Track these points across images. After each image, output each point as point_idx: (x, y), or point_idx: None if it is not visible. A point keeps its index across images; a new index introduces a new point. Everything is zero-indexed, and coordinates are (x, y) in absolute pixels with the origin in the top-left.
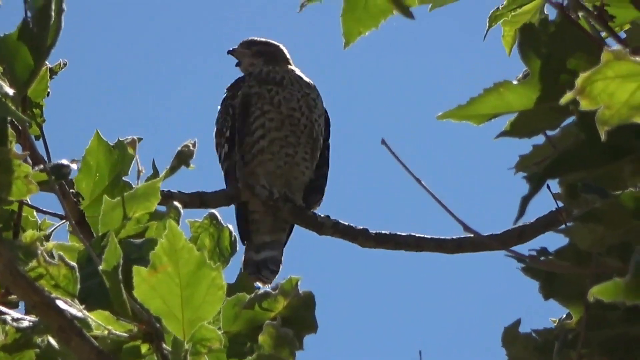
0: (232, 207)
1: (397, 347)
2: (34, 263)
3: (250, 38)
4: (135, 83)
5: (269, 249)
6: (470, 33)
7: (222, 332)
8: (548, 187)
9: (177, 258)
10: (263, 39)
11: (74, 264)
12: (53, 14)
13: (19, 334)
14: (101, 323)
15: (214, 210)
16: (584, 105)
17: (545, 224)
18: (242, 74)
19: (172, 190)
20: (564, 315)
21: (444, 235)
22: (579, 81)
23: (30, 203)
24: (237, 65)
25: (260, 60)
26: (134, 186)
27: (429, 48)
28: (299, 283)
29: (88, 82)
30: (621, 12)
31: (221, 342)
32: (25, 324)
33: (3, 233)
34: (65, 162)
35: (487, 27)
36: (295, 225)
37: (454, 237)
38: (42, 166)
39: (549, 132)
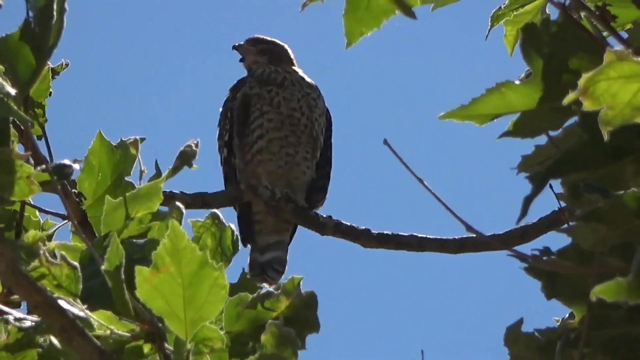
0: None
1: (399, 347)
2: (36, 263)
3: (256, 36)
4: (136, 83)
5: (273, 249)
6: (472, 33)
7: (224, 331)
8: (550, 187)
9: (179, 258)
10: (269, 38)
11: (76, 263)
12: (55, 13)
13: (21, 333)
14: (103, 323)
15: (215, 210)
16: (587, 105)
17: (548, 223)
18: (244, 72)
19: (175, 191)
20: (567, 315)
21: (447, 235)
22: (581, 81)
23: (32, 203)
24: (240, 61)
25: (265, 59)
26: (136, 186)
27: (431, 48)
28: (301, 283)
29: (90, 82)
30: (623, 12)
31: (223, 342)
32: (28, 323)
33: (5, 233)
34: (67, 162)
35: (489, 27)
36: (298, 226)
37: (457, 237)
38: (44, 166)
39: (552, 132)
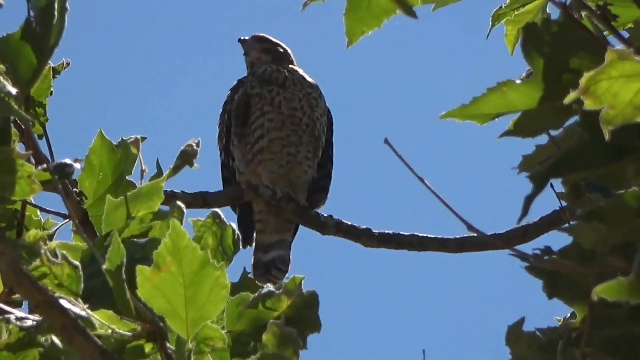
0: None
1: (400, 347)
2: (37, 262)
3: (262, 34)
4: (137, 82)
5: (276, 248)
6: (473, 32)
7: (225, 331)
8: (551, 186)
9: (180, 257)
10: (274, 39)
11: (77, 263)
12: (56, 13)
13: (22, 333)
14: (105, 322)
15: (216, 209)
16: (588, 104)
17: (549, 223)
18: (245, 71)
19: (176, 190)
20: (568, 314)
21: (447, 234)
22: (583, 80)
23: (33, 202)
24: (244, 54)
25: (268, 57)
26: (137, 185)
27: (432, 47)
28: (302, 282)
29: (91, 82)
30: (624, 12)
31: (224, 341)
32: (29, 323)
33: (6, 232)
34: (68, 161)
35: (490, 27)
36: (300, 225)
37: (457, 236)
38: (45, 165)
39: (553, 132)
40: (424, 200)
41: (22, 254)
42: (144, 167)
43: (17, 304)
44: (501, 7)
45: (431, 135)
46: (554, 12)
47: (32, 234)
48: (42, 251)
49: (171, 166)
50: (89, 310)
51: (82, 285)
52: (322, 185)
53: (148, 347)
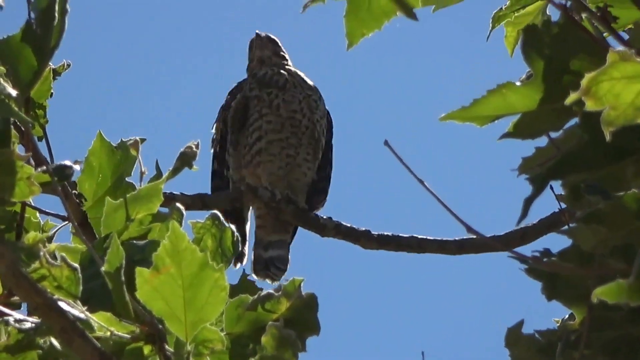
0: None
1: (399, 349)
2: (36, 264)
3: (274, 37)
4: (137, 83)
5: (275, 247)
6: (473, 34)
7: (224, 333)
8: (551, 188)
9: (179, 259)
10: (284, 52)
11: (76, 265)
12: (57, 15)
13: (21, 335)
14: (103, 324)
15: (216, 211)
16: (590, 105)
17: (548, 225)
18: (244, 72)
19: (175, 192)
20: (567, 316)
21: (447, 236)
22: (584, 82)
23: (32, 204)
24: (255, 48)
25: (274, 60)
26: (136, 187)
27: (432, 49)
28: (301, 285)
29: (90, 83)
30: (624, 13)
31: (223, 344)
32: (28, 325)
33: (6, 234)
34: (68, 163)
35: (490, 28)
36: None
37: (457, 238)
38: (44, 167)
39: (552, 134)
40: (423, 202)
41: (21, 256)
42: (143, 169)
43: (16, 306)
44: (501, 8)
45: (431, 137)
46: (554, 13)
47: (31, 236)
48: (41, 253)
49: (170, 168)
50: (87, 313)
51: (81, 288)
52: (322, 188)
53: (147, 350)
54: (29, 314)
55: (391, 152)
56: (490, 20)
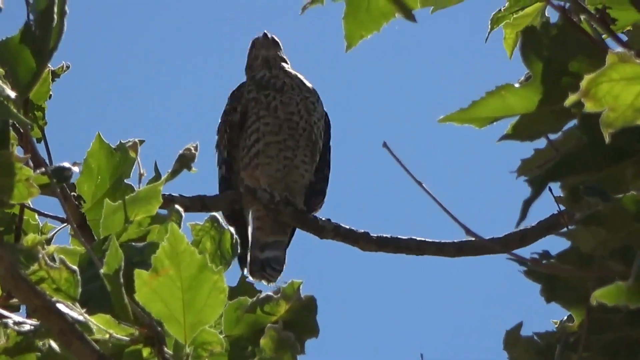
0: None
1: (398, 351)
2: (35, 266)
3: (279, 42)
4: (136, 85)
5: (271, 248)
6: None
7: (223, 335)
8: (550, 190)
9: (178, 261)
10: (286, 57)
11: (75, 267)
12: (55, 16)
13: (20, 337)
14: (102, 327)
15: (215, 213)
16: (589, 107)
17: (547, 227)
18: (243, 73)
19: (174, 194)
20: (565, 317)
21: (445, 238)
22: (583, 83)
23: (31, 206)
24: (260, 47)
25: (277, 62)
26: (135, 189)
27: (431, 51)
28: (300, 287)
29: (89, 85)
30: (623, 15)
31: (222, 346)
32: (27, 327)
33: (4, 236)
34: (66, 164)
35: (488, 30)
36: (297, 229)
37: (456, 240)
38: (43, 169)
39: (551, 135)
40: (422, 204)
41: (20, 258)
42: (142, 171)
43: (15, 309)
44: (500, 10)
45: (430, 139)
46: (553, 15)
47: (30, 238)
48: (40, 255)
49: (169, 170)
50: (86, 315)
51: (79, 290)
52: (320, 189)
53: (146, 352)
54: (28, 316)
55: (390, 154)
56: (489, 22)
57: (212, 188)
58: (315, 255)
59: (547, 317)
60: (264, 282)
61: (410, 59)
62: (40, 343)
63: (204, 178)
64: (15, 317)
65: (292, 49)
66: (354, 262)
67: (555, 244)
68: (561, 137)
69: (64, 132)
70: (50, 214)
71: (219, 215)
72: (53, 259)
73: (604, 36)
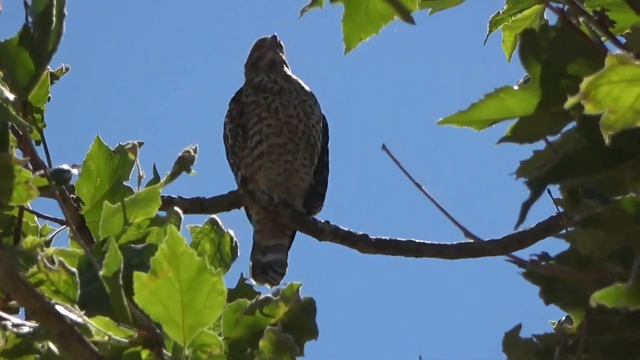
0: (233, 212)
1: (397, 353)
2: (34, 269)
3: (284, 48)
4: (135, 87)
5: (273, 252)
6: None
7: (222, 337)
8: (549, 192)
9: (177, 263)
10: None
11: (74, 269)
12: (54, 19)
13: (19, 339)
14: (101, 329)
15: (214, 216)
16: (589, 109)
17: (546, 229)
18: (243, 77)
19: (173, 196)
20: (563, 318)
21: (445, 240)
22: (583, 85)
23: (30, 208)
24: (268, 48)
25: (279, 65)
26: (134, 191)
27: (429, 53)
28: (299, 289)
29: (88, 87)
30: (621, 17)
31: (221, 348)
32: (26, 329)
33: (3, 239)
34: (65, 167)
35: (487, 32)
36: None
37: (455, 242)
38: (42, 171)
39: (550, 138)
40: (421, 207)
41: (19, 261)
42: (141, 173)
43: (14, 311)
44: (499, 12)
45: (429, 141)
46: (551, 18)
47: (29, 240)
48: (39, 257)
49: (169, 172)
50: (85, 317)
51: (79, 292)
52: (319, 192)
53: (145, 354)
54: (27, 318)
55: (389, 156)
56: (488, 25)
57: (211, 190)
58: (314, 257)
59: (546, 319)
60: (267, 286)
61: (409, 62)
62: (39, 345)
63: (203, 180)
64: (14, 319)
65: (291, 51)
66: (353, 264)
67: (554, 245)
68: (560, 139)
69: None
70: (50, 216)
71: (218, 217)
72: (52, 261)
73: (602, 38)
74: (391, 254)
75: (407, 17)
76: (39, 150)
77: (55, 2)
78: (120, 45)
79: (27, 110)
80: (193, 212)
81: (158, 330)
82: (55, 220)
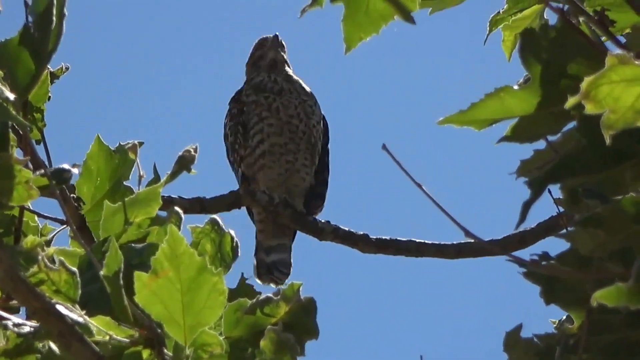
0: (233, 212)
1: (398, 353)
2: (34, 268)
3: (285, 47)
4: (135, 87)
5: (276, 252)
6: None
7: (223, 337)
8: (549, 192)
9: (178, 263)
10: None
11: (74, 269)
12: (54, 18)
13: (20, 339)
14: (102, 328)
15: (215, 216)
16: (589, 109)
17: (546, 228)
18: (243, 75)
19: (173, 196)
20: (564, 317)
21: (445, 240)
22: (583, 85)
23: (31, 208)
24: (270, 48)
25: (281, 65)
26: (135, 191)
27: (429, 53)
28: (300, 289)
29: (89, 86)
30: (622, 17)
31: (222, 348)
32: (26, 329)
33: (4, 238)
34: (66, 166)
35: (487, 32)
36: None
37: (455, 242)
38: (43, 171)
39: (550, 137)
40: (421, 206)
41: (20, 260)
42: (141, 173)
43: (14, 310)
44: (499, 12)
45: (429, 140)
46: (551, 17)
47: (29, 240)
48: (40, 257)
49: (169, 172)
50: (86, 317)
51: (79, 292)
52: (319, 192)
53: (146, 354)
54: (28, 318)
55: (389, 156)
56: (488, 24)
57: (211, 190)
58: (314, 257)
59: (546, 318)
60: (272, 285)
61: (409, 61)
62: (40, 345)
63: (203, 180)
64: (15, 319)
65: (291, 51)
66: (353, 263)
67: (554, 245)
68: (560, 139)
69: (63, 134)
70: (50, 215)
71: (219, 217)
72: (53, 261)
73: (603, 38)
74: (392, 253)
75: (407, 16)
76: (39, 150)
77: (55, 2)
78: (120, 45)
79: (27, 110)
80: (193, 212)
81: (159, 330)
82: (55, 219)
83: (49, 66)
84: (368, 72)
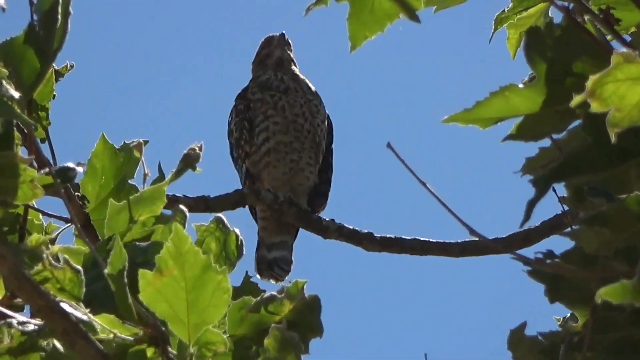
0: (238, 211)
1: (402, 351)
2: (39, 267)
3: (292, 45)
4: (140, 85)
5: (277, 249)
6: (475, 36)
7: (227, 335)
8: (554, 190)
9: (182, 261)
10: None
11: (79, 267)
12: (59, 17)
13: (24, 337)
14: (106, 326)
15: (220, 214)
16: (595, 107)
17: (551, 227)
18: (246, 74)
19: (178, 194)
20: (568, 315)
21: (449, 238)
22: (589, 83)
23: (35, 206)
24: (277, 46)
25: (287, 64)
26: (139, 189)
27: (434, 51)
28: (304, 287)
29: (93, 85)
30: (627, 15)
31: (226, 346)
32: (31, 327)
33: (8, 237)
34: (71, 165)
35: (492, 30)
36: (300, 229)
37: (459, 240)
38: (47, 169)
39: (555, 136)
40: (426, 205)
41: (24, 258)
42: (146, 171)
43: (19, 308)
44: (504, 10)
45: (434, 139)
46: (556, 16)
47: (34, 238)
48: (44, 255)
49: (174, 170)
50: (90, 315)
51: (84, 290)
52: (322, 191)
53: (150, 352)
54: (32, 316)
55: (394, 154)
56: (493, 22)
57: (216, 188)
58: (319, 255)
59: (551, 317)
60: (272, 282)
61: (414, 60)
62: (44, 343)
63: (208, 178)
64: (19, 317)
65: (296, 50)
66: (357, 262)
67: (559, 244)
68: (565, 137)
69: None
70: (55, 214)
71: (223, 216)
72: (57, 259)
73: (608, 37)
74: (396, 252)
75: (412, 15)
76: (44, 148)
77: (60, 1)
78: (126, 44)
79: (32, 108)
80: (198, 211)
81: (163, 328)
82: (60, 218)
83: (53, 64)
84: (373, 71)
